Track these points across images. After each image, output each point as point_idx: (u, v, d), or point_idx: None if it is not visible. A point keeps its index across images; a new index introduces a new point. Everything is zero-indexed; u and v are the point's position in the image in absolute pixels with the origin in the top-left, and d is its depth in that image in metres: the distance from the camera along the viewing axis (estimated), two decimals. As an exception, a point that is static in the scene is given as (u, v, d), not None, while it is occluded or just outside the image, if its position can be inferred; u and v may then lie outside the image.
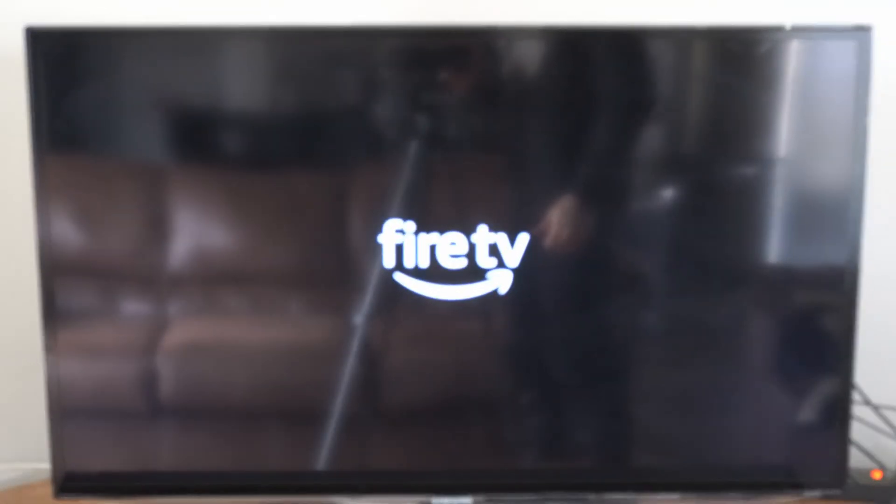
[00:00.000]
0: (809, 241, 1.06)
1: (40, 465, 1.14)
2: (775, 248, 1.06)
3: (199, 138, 1.06)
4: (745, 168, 1.04)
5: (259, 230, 1.06)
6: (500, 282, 1.04)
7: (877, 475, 1.25)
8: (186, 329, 1.07)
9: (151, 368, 1.07)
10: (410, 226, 1.04)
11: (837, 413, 1.08)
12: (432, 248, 1.04)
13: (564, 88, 1.04)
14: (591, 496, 1.09)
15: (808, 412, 1.09)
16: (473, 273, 1.04)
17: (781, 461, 1.09)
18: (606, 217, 1.04)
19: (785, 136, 1.04)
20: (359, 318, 1.05)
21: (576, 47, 1.04)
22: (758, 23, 1.04)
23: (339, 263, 1.06)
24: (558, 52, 1.05)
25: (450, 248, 1.04)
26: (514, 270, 1.03)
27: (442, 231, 1.04)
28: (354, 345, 1.06)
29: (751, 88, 1.03)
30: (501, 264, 1.03)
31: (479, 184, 1.05)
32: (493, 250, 1.04)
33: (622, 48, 1.04)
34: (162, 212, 1.05)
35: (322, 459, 1.08)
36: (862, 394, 1.24)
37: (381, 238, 1.04)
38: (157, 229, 1.05)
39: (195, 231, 1.06)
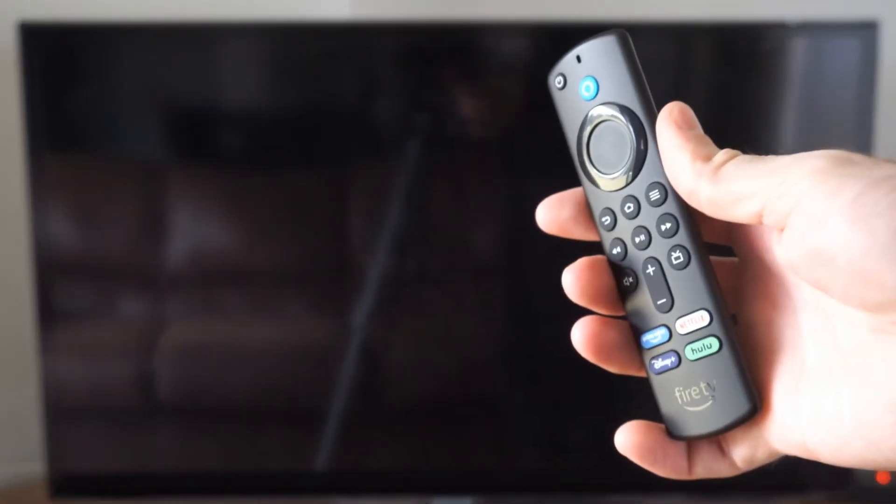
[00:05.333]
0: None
1: (36, 466, 1.14)
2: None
3: (196, 136, 1.05)
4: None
5: (257, 229, 1.05)
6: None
7: (882, 478, 1.24)
8: (184, 329, 1.06)
9: (149, 369, 1.06)
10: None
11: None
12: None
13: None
14: (592, 497, 1.09)
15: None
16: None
17: (785, 461, 1.09)
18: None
19: (789, 133, 1.03)
20: (358, 318, 1.05)
21: (577, 44, 1.03)
22: (761, 18, 1.03)
23: (339, 263, 1.06)
24: (559, 48, 1.04)
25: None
26: (512, 267, 1.03)
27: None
28: (354, 345, 1.05)
29: (754, 85, 1.02)
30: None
31: (479, 183, 1.05)
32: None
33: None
34: (159, 210, 1.05)
35: (321, 460, 1.07)
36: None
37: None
38: (155, 228, 1.05)
39: (192, 230, 1.05)
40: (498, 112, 1.03)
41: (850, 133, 1.01)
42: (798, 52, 1.02)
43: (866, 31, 0.99)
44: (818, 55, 1.02)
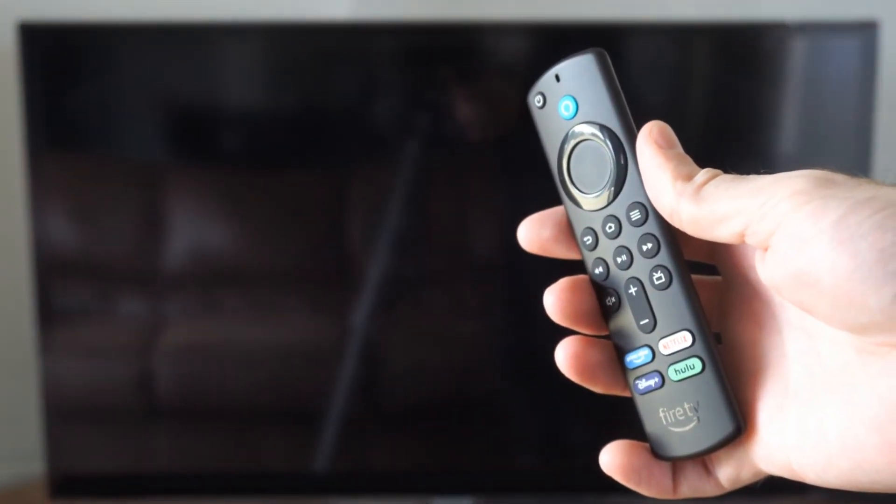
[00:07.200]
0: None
1: (36, 466, 1.14)
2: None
3: (195, 135, 1.05)
4: (749, 166, 1.03)
5: (257, 229, 1.05)
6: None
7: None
8: (184, 329, 1.06)
9: (148, 369, 1.06)
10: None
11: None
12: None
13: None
14: (591, 497, 1.09)
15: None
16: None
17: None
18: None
19: (789, 133, 1.03)
20: (358, 318, 1.04)
21: (576, 44, 1.03)
22: (761, 18, 1.03)
23: (339, 263, 1.06)
24: (558, 49, 1.04)
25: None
26: (511, 267, 1.02)
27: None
28: (353, 345, 1.05)
29: (754, 85, 1.02)
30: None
31: (478, 183, 1.05)
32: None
33: (623, 44, 1.03)
34: (159, 210, 1.04)
35: (321, 460, 1.07)
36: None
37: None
38: (154, 228, 1.05)
39: (192, 230, 1.05)
40: (497, 112, 1.03)
41: (850, 133, 1.01)
42: (798, 52, 1.01)
43: (866, 31, 0.99)
44: (818, 55, 1.02)
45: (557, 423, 1.09)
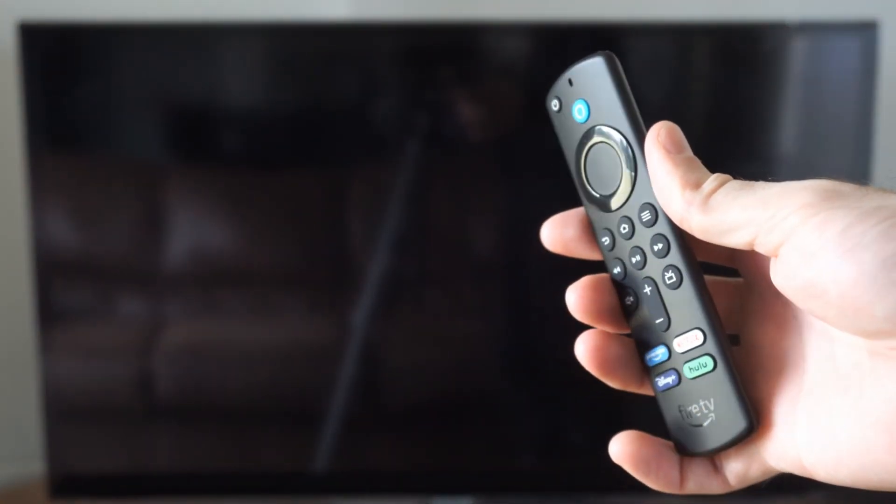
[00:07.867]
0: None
1: (36, 466, 1.14)
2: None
3: (195, 136, 1.05)
4: (749, 166, 1.04)
5: (257, 229, 1.05)
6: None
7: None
8: (184, 329, 1.06)
9: (148, 369, 1.06)
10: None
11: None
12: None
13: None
14: (591, 497, 1.09)
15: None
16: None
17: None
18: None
19: (789, 133, 1.03)
20: (358, 318, 1.04)
21: (576, 44, 1.03)
22: (761, 18, 1.03)
23: (339, 263, 1.06)
24: (558, 49, 1.04)
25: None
26: (511, 267, 1.02)
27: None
28: (354, 345, 1.05)
29: (754, 85, 1.02)
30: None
31: (478, 183, 1.05)
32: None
33: (623, 44, 1.03)
34: (159, 210, 1.05)
35: (321, 460, 1.07)
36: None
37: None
38: (154, 228, 1.05)
39: (192, 230, 1.05)
40: (497, 112, 1.03)
41: (850, 133, 1.01)
42: (798, 52, 1.01)
43: (866, 31, 0.99)
44: (818, 55, 1.02)
45: (557, 423, 1.09)
